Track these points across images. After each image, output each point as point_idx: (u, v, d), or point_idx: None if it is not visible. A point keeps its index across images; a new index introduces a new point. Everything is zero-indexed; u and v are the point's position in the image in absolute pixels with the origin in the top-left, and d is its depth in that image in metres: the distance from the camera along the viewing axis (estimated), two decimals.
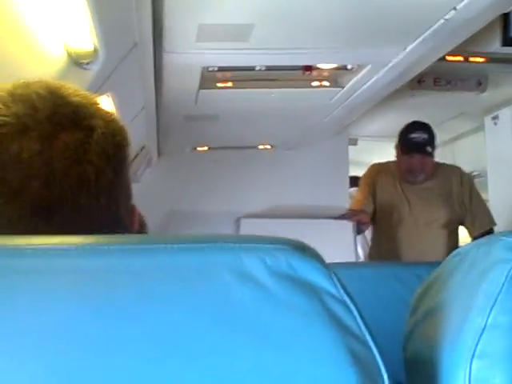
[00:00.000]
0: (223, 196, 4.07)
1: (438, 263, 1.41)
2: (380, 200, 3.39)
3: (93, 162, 0.73)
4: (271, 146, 4.01)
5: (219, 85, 2.53)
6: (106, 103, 1.86)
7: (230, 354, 0.50)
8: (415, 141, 3.20)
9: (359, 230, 3.66)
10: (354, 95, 2.69)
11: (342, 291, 0.54)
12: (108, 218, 0.75)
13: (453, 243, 3.27)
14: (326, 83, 2.52)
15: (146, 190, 4.00)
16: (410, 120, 3.30)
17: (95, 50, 1.47)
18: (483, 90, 3.62)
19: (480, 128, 4.38)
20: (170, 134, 3.53)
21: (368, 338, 0.53)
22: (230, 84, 2.51)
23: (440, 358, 0.61)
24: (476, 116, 4.25)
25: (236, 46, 1.99)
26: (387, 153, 6.14)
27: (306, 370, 0.51)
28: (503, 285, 0.58)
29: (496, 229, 3.32)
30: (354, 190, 4.06)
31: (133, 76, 1.99)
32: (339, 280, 0.54)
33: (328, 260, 1.95)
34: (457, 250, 0.69)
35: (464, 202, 3.30)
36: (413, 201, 3.33)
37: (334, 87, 2.57)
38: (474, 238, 3.13)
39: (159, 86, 2.38)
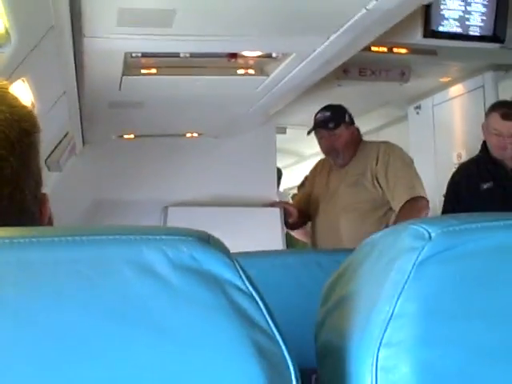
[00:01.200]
0: (150, 185, 4.01)
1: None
2: (313, 194, 3.41)
3: None
4: (199, 134, 3.98)
5: (143, 71, 2.48)
6: (22, 88, 1.79)
7: (128, 350, 0.48)
8: (318, 119, 3.24)
9: (286, 224, 3.64)
10: (280, 84, 2.68)
11: (247, 284, 0.52)
12: (12, 207, 0.72)
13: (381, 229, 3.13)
14: (251, 71, 2.51)
15: (71, 178, 3.90)
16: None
17: (7, 33, 1.41)
18: (406, 81, 3.71)
19: (404, 117, 4.49)
20: (95, 121, 3.44)
21: (275, 331, 0.52)
22: (154, 70, 2.47)
23: (349, 347, 0.60)
24: (400, 105, 4.36)
25: (159, 32, 1.95)
26: (315, 141, 6.22)
27: (210, 365, 0.49)
28: (410, 273, 0.58)
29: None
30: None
31: (50, 60, 1.92)
32: (245, 272, 0.53)
33: (255, 247, 1.95)
34: (367, 239, 0.69)
35: (379, 180, 3.10)
36: (333, 186, 3.27)
37: (259, 75, 2.56)
38: (398, 215, 3.02)
39: (80, 71, 2.31)
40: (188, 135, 4.00)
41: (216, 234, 2.15)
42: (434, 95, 4.11)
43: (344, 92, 3.83)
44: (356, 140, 3.23)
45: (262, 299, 0.52)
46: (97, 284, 0.48)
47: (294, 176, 7.07)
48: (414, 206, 3.01)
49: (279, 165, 6.46)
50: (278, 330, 0.52)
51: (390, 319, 0.57)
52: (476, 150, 3.35)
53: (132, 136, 3.97)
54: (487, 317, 0.58)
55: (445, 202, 3.19)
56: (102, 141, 3.96)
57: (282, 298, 1.50)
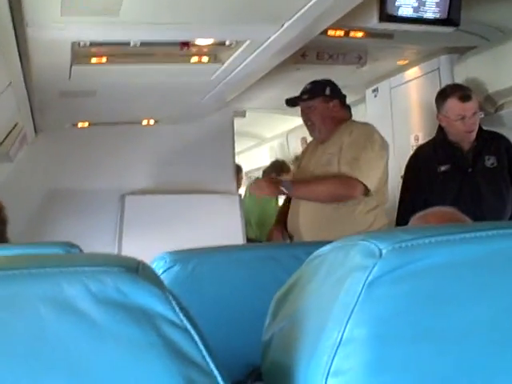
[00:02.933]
0: (107, 173, 3.93)
1: (316, 244, 1.37)
2: (296, 172, 3.28)
3: None
4: (155, 121, 3.90)
5: (93, 60, 2.39)
6: None
7: None
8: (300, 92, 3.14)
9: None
10: (235, 71, 2.62)
11: (182, 316, 0.48)
12: None
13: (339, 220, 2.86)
14: (205, 59, 2.44)
15: (24, 169, 3.79)
16: (297, 92, 3.24)
17: None
18: (364, 64, 3.69)
19: (362, 100, 4.48)
20: (47, 111, 3.34)
21: (211, 365, 0.48)
22: (104, 59, 2.38)
23: (297, 375, 0.56)
24: (358, 89, 4.34)
25: (105, 20, 1.87)
26: (275, 124, 6.20)
27: None
28: (360, 294, 0.54)
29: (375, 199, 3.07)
30: None
31: None
32: (180, 303, 0.48)
33: (215, 235, 1.93)
34: (317, 252, 0.65)
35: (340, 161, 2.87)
36: (305, 165, 3.11)
37: (213, 63, 2.50)
38: (322, 176, 2.87)
39: (26, 61, 2.21)
40: (144, 122, 3.92)
41: (174, 221, 2.09)
42: (391, 78, 4.10)
43: (303, 76, 3.79)
44: (336, 116, 3.01)
45: (197, 332, 0.48)
46: (8, 325, 0.43)
47: (254, 158, 7.04)
48: (345, 183, 2.81)
49: (240, 148, 6.44)
50: (215, 365, 0.48)
51: (339, 345, 0.53)
52: (433, 132, 3.35)
53: (86, 124, 3.87)
54: (441, 339, 0.54)
55: (403, 184, 3.18)
56: (55, 130, 3.85)
57: (237, 294, 1.46)
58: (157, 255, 1.47)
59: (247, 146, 7.07)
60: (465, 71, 3.43)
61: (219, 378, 0.48)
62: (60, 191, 3.88)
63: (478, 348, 0.55)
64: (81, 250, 1.50)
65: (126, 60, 2.42)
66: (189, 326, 0.48)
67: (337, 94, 3.09)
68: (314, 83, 3.12)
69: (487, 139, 3.02)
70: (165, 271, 1.40)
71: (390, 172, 3.18)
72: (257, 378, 1.33)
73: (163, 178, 3.96)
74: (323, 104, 3.03)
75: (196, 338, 0.48)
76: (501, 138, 3.07)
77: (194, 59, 2.42)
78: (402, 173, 3.30)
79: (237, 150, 5.19)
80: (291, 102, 3.20)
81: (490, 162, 3.00)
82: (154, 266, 1.43)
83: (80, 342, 0.44)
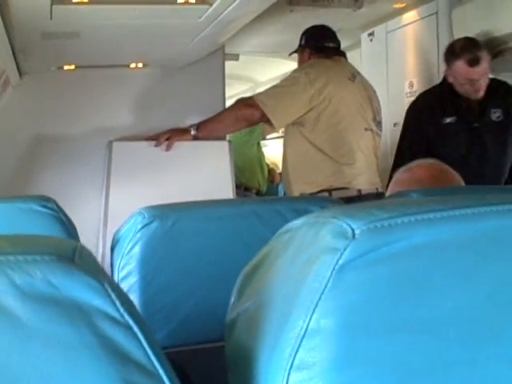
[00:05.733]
0: (94, 118, 3.83)
1: (299, 200, 1.30)
2: None
3: None
4: (143, 65, 3.78)
5: (74, 0, 2.28)
6: None
7: None
8: None
9: None
10: (225, 13, 2.51)
11: (123, 311, 0.42)
12: None
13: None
14: (192, 0, 2.33)
15: (8, 113, 3.69)
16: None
17: None
18: (360, 7, 3.58)
19: (357, 44, 4.37)
20: (30, 53, 3.22)
21: (157, 366, 0.42)
22: None
23: (259, 364, 0.51)
24: (353, 32, 4.23)
25: None
26: (270, 68, 6.08)
27: None
28: (328, 280, 0.49)
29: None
30: None
31: None
32: (122, 296, 0.42)
33: (203, 183, 1.91)
34: (288, 225, 0.59)
35: None
36: None
37: (201, 4, 2.39)
38: None
39: (3, 1, 2.11)
40: (132, 66, 3.80)
41: (163, 168, 2.03)
42: (387, 22, 3.97)
43: (296, 18, 3.69)
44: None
45: (141, 328, 0.42)
46: None
47: None
48: (246, 102, 2.99)
49: (233, 92, 6.32)
50: (161, 364, 0.43)
51: (304, 337, 0.48)
52: (428, 79, 3.26)
53: (73, 67, 3.76)
54: (420, 330, 0.49)
55: (402, 133, 3.08)
56: (40, 72, 3.73)
57: (217, 251, 1.42)
58: (135, 210, 1.42)
59: (241, 90, 6.95)
60: (463, 16, 3.31)
61: (165, 379, 0.42)
62: (46, 137, 3.79)
63: (460, 340, 0.50)
64: (57, 205, 1.44)
65: (108, 0, 2.31)
66: (131, 322, 0.42)
67: (310, 41, 3.04)
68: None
69: (495, 90, 2.91)
70: (143, 227, 1.35)
71: (383, 118, 3.10)
72: None
73: (152, 123, 3.86)
74: (300, 54, 3.05)
75: (139, 335, 0.42)
76: (508, 88, 2.96)
77: (181, 0, 2.31)
78: (395, 120, 3.22)
79: (230, 93, 5.08)
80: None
81: (496, 115, 2.91)
82: (131, 222, 1.37)
83: (3, 344, 0.38)
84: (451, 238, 0.51)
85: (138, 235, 1.34)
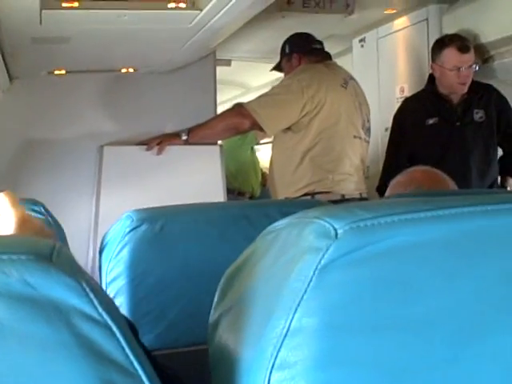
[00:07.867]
0: (84, 123, 3.81)
1: (289, 203, 1.30)
2: None
3: None
4: (134, 70, 3.77)
5: (64, 5, 2.27)
6: None
7: None
8: None
9: None
10: (215, 18, 2.51)
11: (101, 310, 0.41)
12: None
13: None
14: (182, 5, 2.33)
15: None
16: (282, 41, 3.18)
17: None
18: (351, 13, 3.60)
19: (348, 50, 4.39)
20: (20, 57, 3.22)
21: (136, 365, 0.42)
22: (75, 4, 2.26)
23: (241, 364, 0.51)
24: (345, 38, 4.25)
25: None
26: (261, 73, 6.09)
27: None
28: (311, 280, 0.49)
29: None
30: None
31: None
32: (100, 295, 0.42)
33: (195, 187, 1.91)
34: (272, 226, 0.59)
35: None
36: None
37: (191, 10, 2.39)
38: None
39: None
40: (123, 70, 3.79)
41: (154, 173, 2.03)
42: (378, 28, 3.99)
43: (288, 24, 3.70)
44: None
45: (119, 328, 0.42)
46: None
47: None
48: (237, 111, 2.99)
49: (225, 97, 6.32)
50: (140, 364, 0.42)
51: (286, 336, 0.48)
52: (418, 84, 3.27)
53: (63, 72, 3.75)
54: (403, 330, 0.49)
55: (389, 138, 3.12)
56: (31, 77, 3.72)
57: (206, 254, 1.41)
58: (125, 213, 1.41)
59: (233, 95, 6.95)
60: (453, 22, 3.33)
61: (144, 378, 0.42)
62: (36, 141, 3.77)
63: (444, 339, 0.50)
64: (45, 208, 1.43)
65: (98, 5, 2.30)
66: (109, 322, 0.41)
67: (295, 46, 3.03)
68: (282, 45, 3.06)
69: (477, 92, 2.95)
70: (131, 230, 1.34)
71: (374, 123, 3.12)
72: None
73: (142, 128, 3.85)
74: (286, 64, 3.04)
75: (118, 334, 0.42)
76: (491, 90, 2.99)
77: (171, 5, 2.31)
78: (387, 125, 3.24)
79: (221, 99, 5.07)
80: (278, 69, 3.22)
81: (478, 115, 2.94)
82: (120, 225, 1.37)
83: None
84: (434, 238, 0.51)
85: (126, 238, 1.33)
